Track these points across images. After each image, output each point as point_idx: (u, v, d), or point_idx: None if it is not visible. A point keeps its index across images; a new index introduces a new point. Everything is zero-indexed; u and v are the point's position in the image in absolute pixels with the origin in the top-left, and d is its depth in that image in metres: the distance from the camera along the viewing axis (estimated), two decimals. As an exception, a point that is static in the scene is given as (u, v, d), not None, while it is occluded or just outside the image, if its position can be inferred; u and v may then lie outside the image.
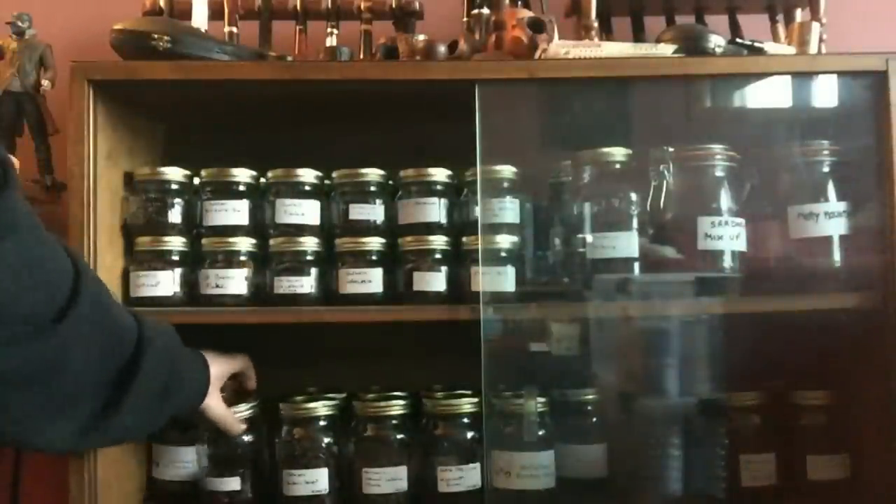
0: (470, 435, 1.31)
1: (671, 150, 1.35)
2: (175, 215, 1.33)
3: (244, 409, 1.29)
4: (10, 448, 1.47)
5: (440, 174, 1.35)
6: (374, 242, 1.33)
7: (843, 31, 1.56)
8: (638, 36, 1.59)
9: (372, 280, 1.30)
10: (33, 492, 1.51)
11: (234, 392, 1.30)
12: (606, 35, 1.58)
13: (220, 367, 1.21)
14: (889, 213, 1.25)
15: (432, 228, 1.33)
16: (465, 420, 1.31)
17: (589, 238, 1.32)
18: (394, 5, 1.53)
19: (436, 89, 1.29)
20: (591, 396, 1.39)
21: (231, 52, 1.34)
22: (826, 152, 1.37)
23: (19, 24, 1.46)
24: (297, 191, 1.34)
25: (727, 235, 1.31)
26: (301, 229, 1.33)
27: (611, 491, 1.36)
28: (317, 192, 1.35)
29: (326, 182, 1.37)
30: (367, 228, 1.34)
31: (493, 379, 1.29)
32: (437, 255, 1.32)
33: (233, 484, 1.28)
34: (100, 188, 1.24)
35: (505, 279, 1.30)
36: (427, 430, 1.33)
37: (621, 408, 1.42)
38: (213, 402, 1.19)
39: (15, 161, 1.43)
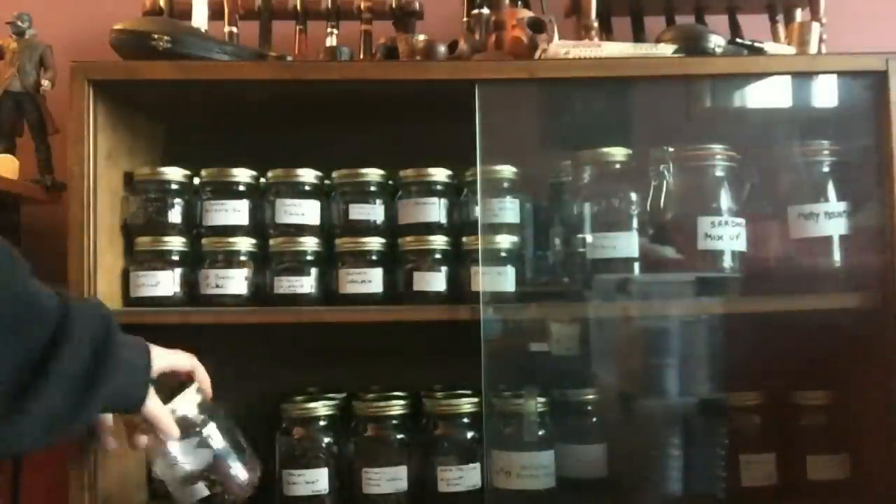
0: (470, 435, 1.31)
1: (671, 150, 1.35)
2: (175, 215, 1.33)
3: (180, 408, 1.06)
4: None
5: (440, 174, 1.35)
6: (374, 242, 1.33)
7: (843, 31, 1.56)
8: (638, 36, 1.59)
9: (372, 280, 1.30)
10: (33, 492, 1.51)
11: (171, 392, 1.08)
12: (606, 35, 1.58)
13: (158, 360, 1.04)
14: (889, 213, 1.25)
15: (432, 228, 1.33)
16: (465, 420, 1.32)
17: (589, 238, 1.32)
18: (394, 5, 1.53)
19: (436, 89, 1.29)
20: (591, 396, 1.39)
21: (231, 52, 1.35)
22: (826, 152, 1.37)
23: (19, 24, 1.46)
24: (297, 191, 1.34)
25: (727, 235, 1.31)
26: (301, 229, 1.33)
27: (611, 491, 1.36)
28: (317, 192, 1.35)
29: (326, 182, 1.37)
30: (367, 228, 1.34)
31: (493, 379, 1.29)
32: (437, 255, 1.32)
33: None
34: (100, 188, 1.24)
35: (505, 279, 1.30)
36: (427, 430, 1.33)
37: (621, 408, 1.42)
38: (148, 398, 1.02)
39: (14, 160, 1.43)
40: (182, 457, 1.08)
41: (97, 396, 0.91)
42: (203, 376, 1.13)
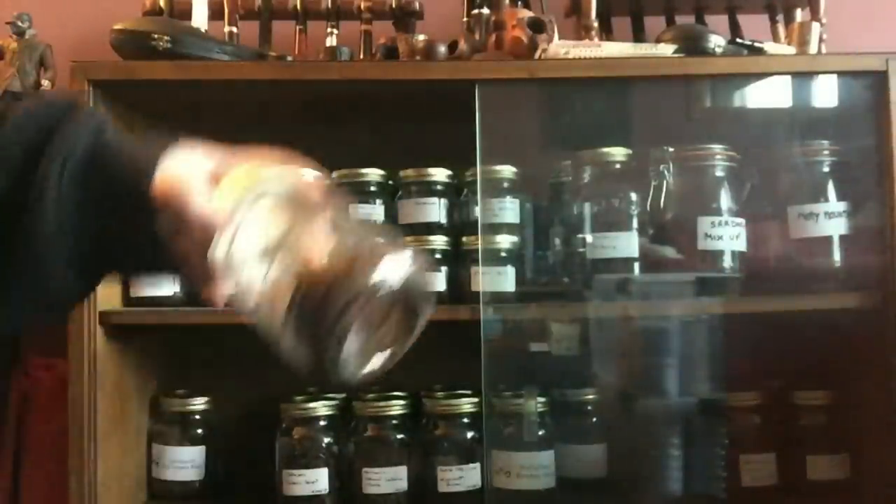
0: (470, 435, 1.31)
1: (671, 150, 1.35)
2: (175, 215, 1.33)
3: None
4: (9, 448, 1.47)
5: (440, 174, 1.35)
6: (374, 242, 1.32)
7: (843, 31, 1.56)
8: (638, 36, 1.59)
9: (372, 280, 1.30)
10: (33, 492, 1.51)
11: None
12: (606, 35, 1.57)
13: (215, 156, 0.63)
14: (889, 213, 1.25)
15: (432, 228, 1.33)
16: (465, 420, 1.31)
17: (589, 238, 1.32)
18: (394, 5, 1.53)
19: (436, 89, 1.29)
20: (591, 396, 1.39)
21: (231, 52, 1.34)
22: (826, 152, 1.37)
23: (19, 24, 1.46)
24: (297, 191, 1.34)
25: (727, 235, 1.31)
26: (301, 229, 1.33)
27: (611, 491, 1.36)
28: (317, 192, 1.35)
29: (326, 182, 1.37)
30: (367, 228, 1.34)
31: (493, 379, 1.29)
32: (437, 255, 1.32)
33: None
34: (100, 188, 1.24)
35: (505, 279, 1.30)
36: (427, 430, 1.33)
37: (621, 408, 1.42)
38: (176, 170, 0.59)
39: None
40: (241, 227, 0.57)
41: (52, 167, 0.57)
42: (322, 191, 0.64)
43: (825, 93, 1.36)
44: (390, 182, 1.37)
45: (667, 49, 1.34)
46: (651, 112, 1.41)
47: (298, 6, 1.53)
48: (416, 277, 0.58)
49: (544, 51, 1.34)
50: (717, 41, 1.38)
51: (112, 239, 0.60)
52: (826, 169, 1.37)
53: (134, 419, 1.35)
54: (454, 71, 1.27)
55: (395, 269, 0.56)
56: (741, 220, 1.32)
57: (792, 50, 1.42)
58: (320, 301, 0.54)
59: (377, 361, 0.60)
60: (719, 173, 1.35)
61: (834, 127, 1.38)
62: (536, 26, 1.36)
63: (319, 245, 0.57)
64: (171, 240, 0.58)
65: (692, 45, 1.37)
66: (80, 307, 1.21)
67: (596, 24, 1.49)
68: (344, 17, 1.54)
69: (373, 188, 1.35)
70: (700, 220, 1.31)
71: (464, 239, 1.33)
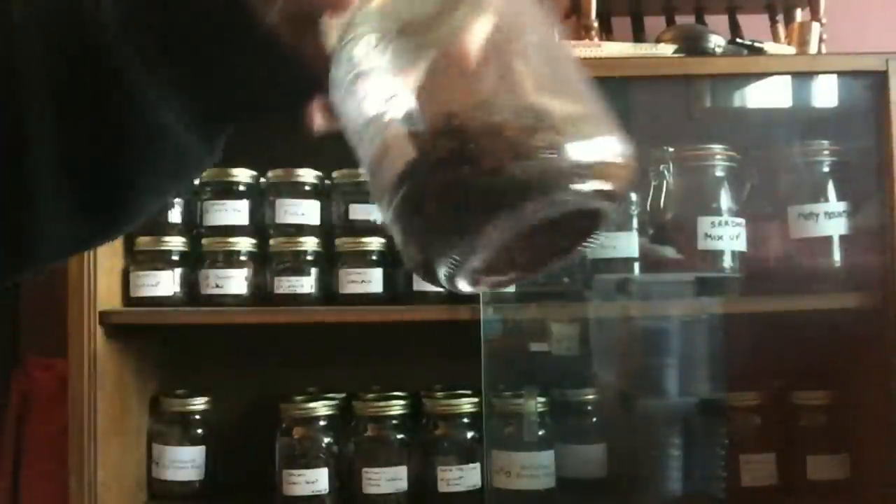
0: (470, 435, 1.31)
1: (671, 150, 1.35)
2: (175, 215, 1.33)
3: None
4: (9, 448, 1.47)
5: (440, 174, 1.35)
6: (374, 242, 1.33)
7: (843, 31, 1.56)
8: (638, 36, 1.59)
9: (372, 280, 1.30)
10: (33, 492, 1.51)
11: None
12: (606, 35, 1.57)
13: None
14: (889, 213, 1.25)
15: (432, 228, 1.33)
16: (465, 420, 1.31)
17: (589, 238, 1.32)
18: (394, 5, 1.53)
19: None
20: (591, 396, 1.39)
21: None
22: (826, 152, 1.37)
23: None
24: (297, 191, 1.34)
25: (727, 235, 1.31)
26: (301, 229, 1.33)
27: (611, 491, 1.36)
28: (317, 192, 1.35)
29: (326, 182, 1.37)
30: (367, 228, 1.33)
31: (493, 379, 1.29)
32: (437, 255, 1.32)
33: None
34: (100, 188, 1.24)
35: (505, 279, 1.30)
36: (427, 430, 1.33)
37: (621, 408, 1.42)
38: None
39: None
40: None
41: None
42: None
43: (825, 93, 1.36)
44: (390, 182, 1.37)
45: (667, 49, 1.34)
46: (651, 112, 1.41)
47: (298, 6, 1.53)
48: (616, 185, 0.35)
49: (544, 51, 1.33)
50: (717, 41, 1.38)
51: (209, 63, 0.41)
52: (826, 169, 1.37)
53: (134, 419, 1.35)
54: (454, 71, 1.27)
55: (594, 158, 0.33)
56: (741, 220, 1.32)
57: (792, 50, 1.42)
58: (464, 177, 0.31)
59: (491, 284, 0.39)
60: (719, 173, 1.35)
61: (834, 127, 1.38)
62: (536, 26, 1.36)
63: (490, 75, 0.32)
64: (275, 33, 0.38)
65: (692, 45, 1.37)
66: (81, 305, 1.21)
67: (596, 24, 1.48)
68: (344, 17, 1.54)
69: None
70: (700, 220, 1.31)
71: (464, 239, 1.33)
